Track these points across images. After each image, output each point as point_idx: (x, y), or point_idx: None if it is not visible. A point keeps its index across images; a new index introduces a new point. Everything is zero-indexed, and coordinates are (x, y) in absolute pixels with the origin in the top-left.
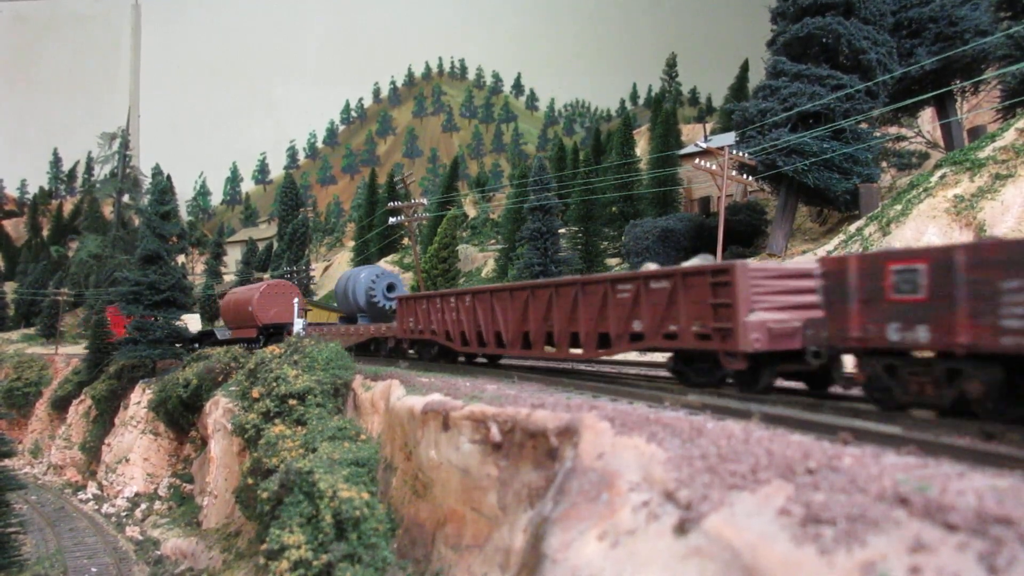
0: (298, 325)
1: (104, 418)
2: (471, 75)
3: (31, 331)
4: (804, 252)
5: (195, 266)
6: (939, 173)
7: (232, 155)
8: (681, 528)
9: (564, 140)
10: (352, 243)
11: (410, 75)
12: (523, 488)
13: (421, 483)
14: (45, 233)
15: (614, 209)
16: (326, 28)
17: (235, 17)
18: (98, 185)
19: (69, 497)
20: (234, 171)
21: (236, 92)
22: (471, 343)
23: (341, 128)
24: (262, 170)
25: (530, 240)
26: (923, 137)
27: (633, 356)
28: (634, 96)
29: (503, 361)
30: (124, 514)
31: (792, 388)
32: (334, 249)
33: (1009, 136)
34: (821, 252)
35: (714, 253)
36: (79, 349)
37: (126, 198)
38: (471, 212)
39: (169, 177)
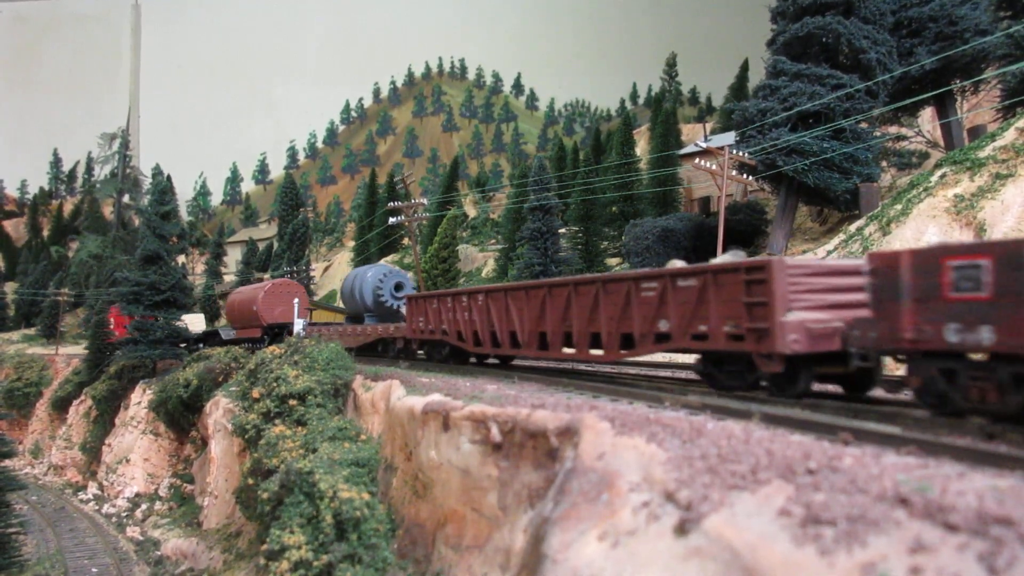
0: (298, 325)
1: (104, 418)
2: (471, 75)
3: (31, 331)
4: (804, 252)
5: (195, 266)
6: (939, 173)
7: (232, 155)
8: (681, 528)
9: (564, 140)
10: (352, 243)
11: (410, 75)
12: (523, 488)
13: (421, 483)
14: (45, 233)
15: (614, 209)
16: (326, 28)
17: (235, 17)
18: (98, 185)
19: (70, 497)
20: (234, 171)
21: (236, 92)
22: (484, 343)
23: (341, 128)
24: (262, 170)
25: (530, 240)
26: (923, 137)
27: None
28: (634, 96)
29: (493, 361)
30: (124, 514)
31: (826, 392)
32: (334, 249)
33: (1009, 135)
34: (821, 252)
35: (714, 253)
36: (79, 349)
37: (126, 198)
38: (471, 212)
39: (169, 177)
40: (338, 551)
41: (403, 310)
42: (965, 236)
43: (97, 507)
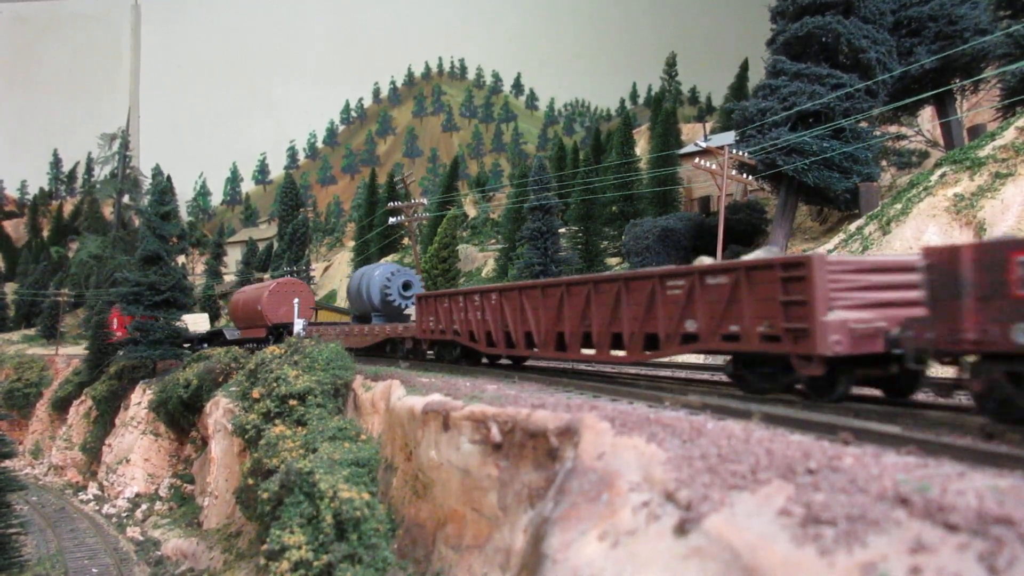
0: (298, 325)
1: (105, 419)
2: (471, 75)
3: (32, 332)
4: (804, 251)
5: (195, 266)
6: (939, 172)
7: (232, 155)
8: (681, 528)
9: (564, 140)
10: (352, 243)
11: (410, 75)
12: (523, 488)
13: (421, 483)
14: (45, 234)
15: (614, 209)
16: (326, 28)
17: (235, 17)
18: (98, 186)
19: (70, 498)
20: (234, 171)
21: (236, 92)
22: (498, 344)
23: (341, 128)
24: (262, 170)
25: (530, 240)
26: (923, 136)
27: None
28: (634, 96)
29: (500, 361)
30: (125, 515)
31: (866, 396)
32: (334, 249)
33: (1009, 135)
34: (821, 251)
35: (714, 253)
36: (79, 350)
37: (126, 199)
38: (471, 212)
39: (169, 177)
40: (338, 551)
41: (411, 310)
42: (965, 236)
43: (97, 507)
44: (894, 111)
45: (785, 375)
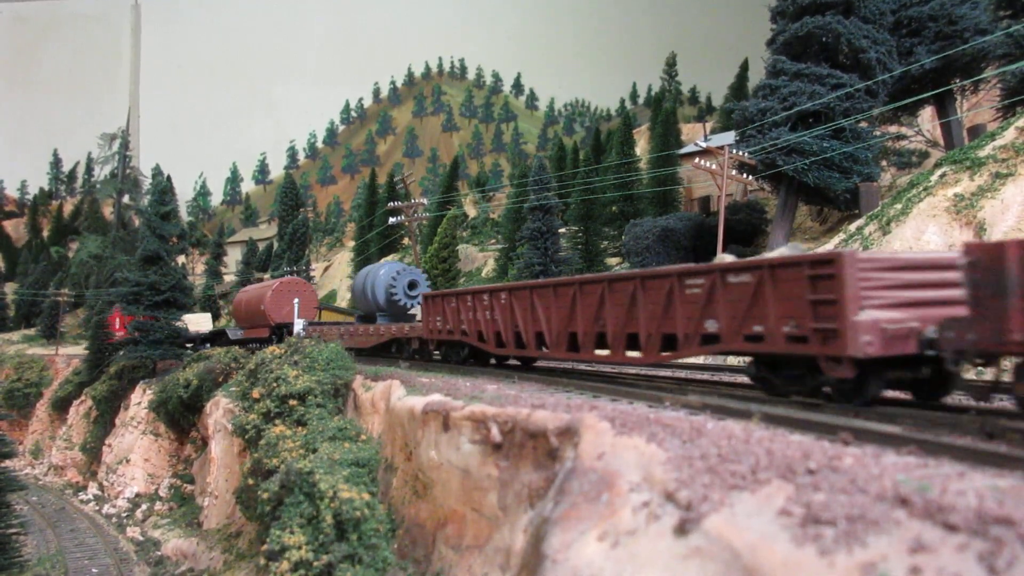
0: (298, 325)
1: (105, 419)
2: (471, 75)
3: (32, 332)
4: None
5: (195, 266)
6: (939, 172)
7: (232, 155)
8: (681, 528)
9: (564, 140)
10: (352, 243)
11: (410, 75)
12: (523, 488)
13: (421, 483)
14: (45, 234)
15: (614, 209)
16: (326, 28)
17: (235, 17)
18: (98, 186)
19: (70, 498)
20: (234, 171)
21: (236, 92)
22: (508, 345)
23: (341, 128)
24: (262, 170)
25: (530, 240)
26: (923, 136)
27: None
28: (634, 95)
29: (509, 362)
30: (125, 515)
31: (897, 400)
32: (334, 249)
33: (1009, 135)
34: (821, 251)
35: (715, 252)
36: (79, 350)
37: (126, 199)
38: (471, 212)
39: (169, 177)
40: (338, 551)
41: (417, 310)
42: (965, 236)
43: (97, 507)
44: (894, 111)
45: (812, 377)
